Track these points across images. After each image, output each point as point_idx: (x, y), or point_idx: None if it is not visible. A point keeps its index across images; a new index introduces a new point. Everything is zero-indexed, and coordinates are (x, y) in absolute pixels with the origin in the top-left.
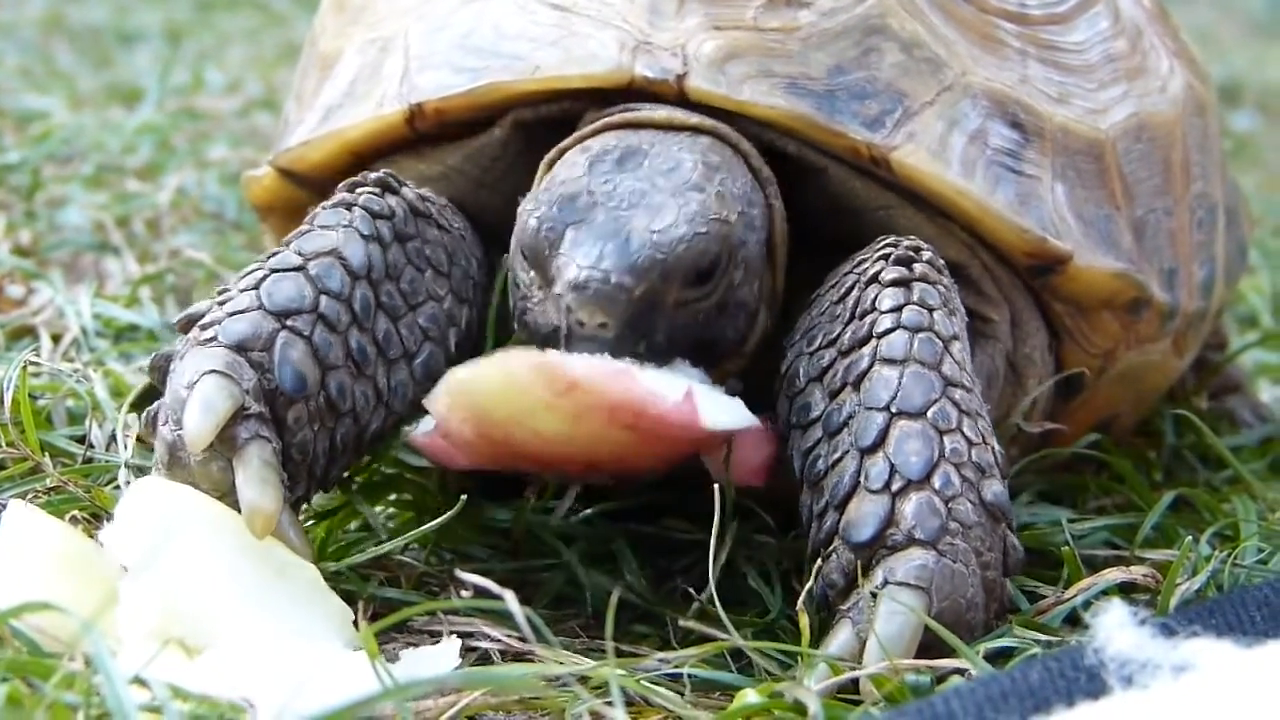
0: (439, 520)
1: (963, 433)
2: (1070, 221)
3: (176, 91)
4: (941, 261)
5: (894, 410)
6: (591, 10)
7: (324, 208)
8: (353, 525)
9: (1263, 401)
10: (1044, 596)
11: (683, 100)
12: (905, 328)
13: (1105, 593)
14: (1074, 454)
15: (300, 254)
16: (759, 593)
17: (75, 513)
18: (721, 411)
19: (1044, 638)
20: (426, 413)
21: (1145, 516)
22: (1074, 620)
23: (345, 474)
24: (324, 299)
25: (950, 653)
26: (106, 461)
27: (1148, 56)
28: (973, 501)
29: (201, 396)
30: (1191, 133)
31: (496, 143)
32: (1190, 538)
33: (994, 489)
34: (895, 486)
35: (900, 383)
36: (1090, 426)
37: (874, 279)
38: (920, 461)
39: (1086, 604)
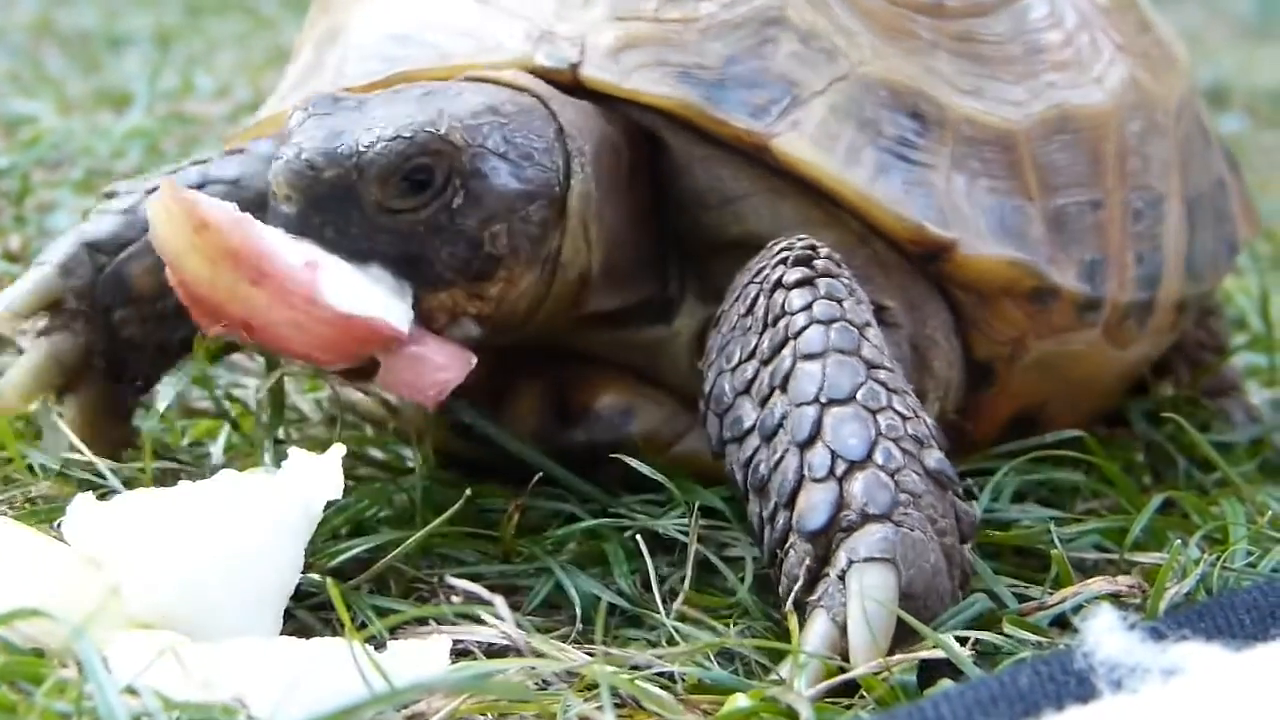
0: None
1: (894, 409)
2: (965, 210)
3: (166, 96)
4: (838, 255)
5: (824, 400)
6: (508, 3)
7: (269, 138)
8: (344, 530)
9: (1255, 404)
10: (1032, 598)
11: (578, 87)
12: (819, 321)
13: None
14: (1060, 454)
15: (204, 176)
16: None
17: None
18: (354, 296)
19: (1034, 638)
20: None
21: (1134, 519)
22: (1063, 623)
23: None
24: None
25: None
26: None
27: (1084, 49)
28: (917, 472)
29: (19, 285)
30: (1132, 125)
31: None
32: (1179, 541)
33: (935, 457)
34: (839, 471)
35: (825, 373)
36: (1012, 414)
37: (778, 284)
38: (859, 442)
39: (1077, 608)
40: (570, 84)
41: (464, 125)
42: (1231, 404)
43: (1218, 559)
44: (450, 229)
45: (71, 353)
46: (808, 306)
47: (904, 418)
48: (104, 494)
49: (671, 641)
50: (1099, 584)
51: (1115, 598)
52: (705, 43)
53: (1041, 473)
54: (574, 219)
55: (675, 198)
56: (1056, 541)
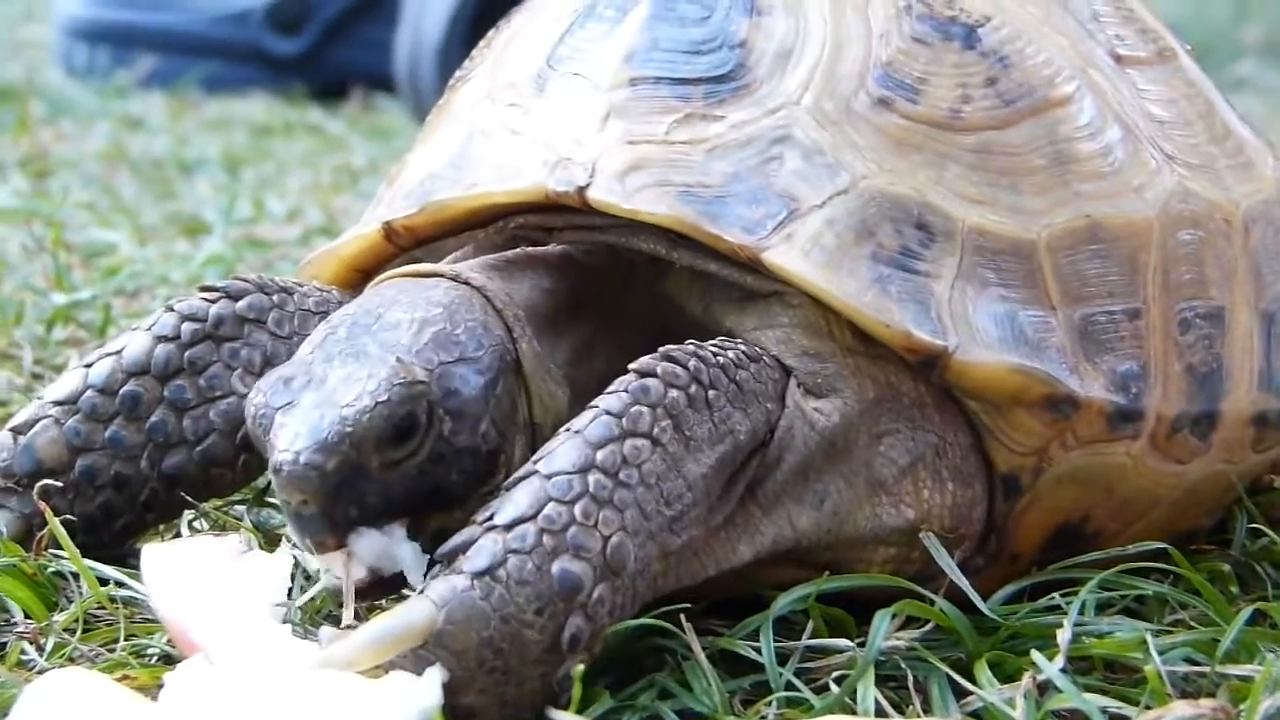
0: None
1: (573, 507)
2: (971, 319)
3: (238, 221)
4: (734, 358)
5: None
6: (535, 134)
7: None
8: None
9: None
10: (1125, 717)
11: (587, 208)
12: (603, 410)
13: None
14: (1144, 565)
15: (102, 352)
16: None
17: (129, 673)
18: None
19: None
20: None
21: (1224, 631)
22: None
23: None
24: (88, 392)
25: None
26: None
27: (1123, 160)
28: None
29: None
30: (1180, 234)
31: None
32: (1271, 654)
33: (565, 565)
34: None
35: (554, 448)
36: (1052, 529)
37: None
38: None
39: None
40: (580, 206)
41: (416, 354)
42: None
43: None
44: (452, 451)
45: (11, 525)
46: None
47: (577, 521)
48: None
49: None
50: (1182, 708)
51: None
52: (710, 162)
53: (1125, 584)
54: (532, 380)
55: (691, 309)
56: (1154, 656)
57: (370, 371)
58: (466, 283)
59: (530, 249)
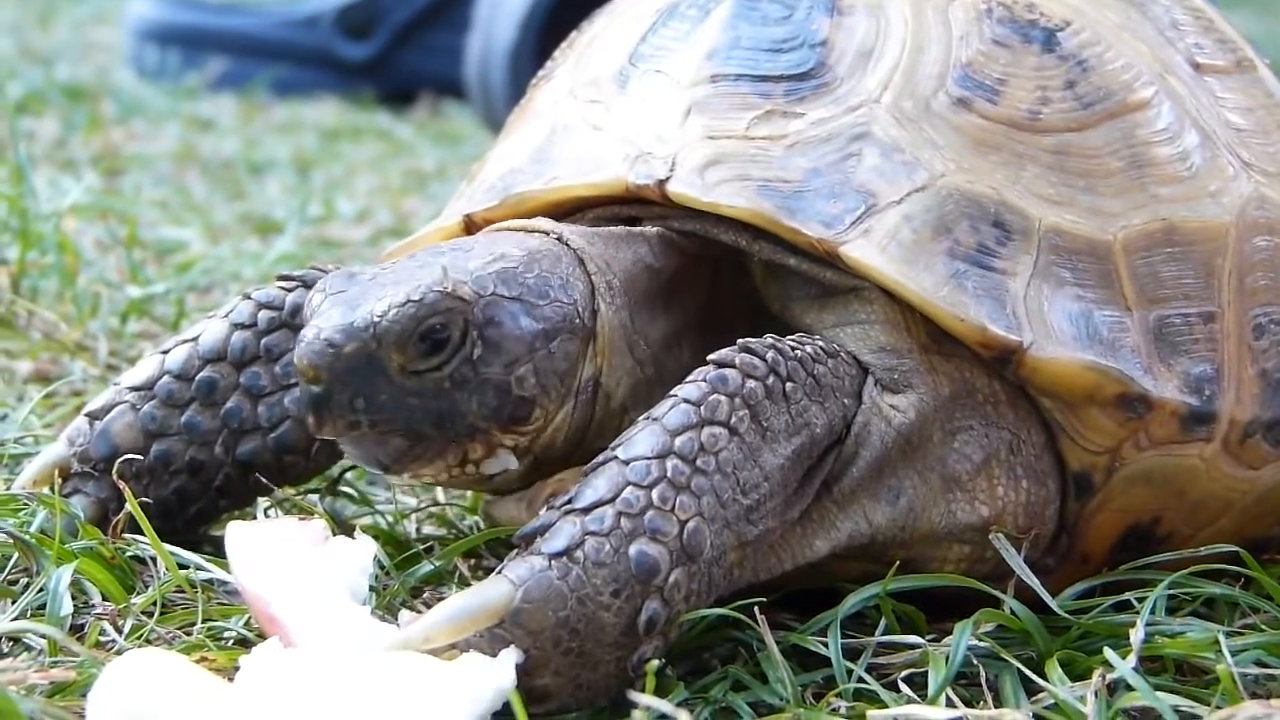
0: None
1: (651, 492)
2: (1046, 316)
3: (308, 221)
4: (812, 352)
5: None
6: (616, 129)
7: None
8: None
9: None
10: (1196, 716)
11: (667, 201)
12: (682, 399)
13: None
14: (1215, 568)
15: (179, 338)
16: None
17: (207, 654)
18: None
19: None
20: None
21: None
22: None
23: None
24: (165, 378)
25: None
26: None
27: (1200, 165)
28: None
29: (39, 456)
30: (1256, 240)
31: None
32: None
33: (642, 548)
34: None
35: (633, 435)
36: (1123, 529)
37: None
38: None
39: None
40: (660, 199)
41: (471, 277)
42: None
43: None
44: (476, 380)
45: (89, 509)
46: (691, 381)
47: (654, 506)
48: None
49: None
50: (1253, 708)
51: None
52: (790, 158)
53: (1195, 587)
54: (608, 348)
55: (770, 309)
56: (1227, 656)
57: (419, 278)
58: (566, 242)
59: (630, 228)
